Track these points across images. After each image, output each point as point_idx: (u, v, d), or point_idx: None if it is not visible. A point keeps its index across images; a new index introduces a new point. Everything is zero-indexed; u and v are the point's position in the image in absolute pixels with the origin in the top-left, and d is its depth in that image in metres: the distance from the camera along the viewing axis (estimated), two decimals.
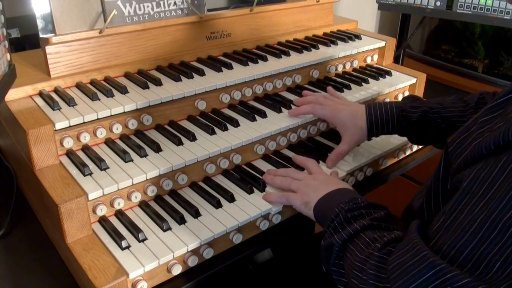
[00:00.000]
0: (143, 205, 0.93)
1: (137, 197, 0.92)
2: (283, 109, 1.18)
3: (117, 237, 0.84)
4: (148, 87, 1.07)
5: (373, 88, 1.35)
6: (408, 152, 1.29)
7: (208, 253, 0.87)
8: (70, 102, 0.97)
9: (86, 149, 0.96)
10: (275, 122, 1.11)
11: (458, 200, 0.62)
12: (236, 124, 1.09)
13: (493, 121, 0.65)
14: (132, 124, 1.02)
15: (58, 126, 0.91)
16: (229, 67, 1.20)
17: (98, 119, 0.97)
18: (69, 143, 0.95)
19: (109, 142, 0.99)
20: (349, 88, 1.33)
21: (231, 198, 0.95)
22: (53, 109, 0.95)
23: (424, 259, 0.61)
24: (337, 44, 1.45)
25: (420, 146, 1.32)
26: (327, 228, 0.81)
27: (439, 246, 0.62)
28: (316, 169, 1.00)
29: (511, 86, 0.67)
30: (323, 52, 1.38)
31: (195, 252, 0.86)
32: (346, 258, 0.75)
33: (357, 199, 0.83)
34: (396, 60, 1.70)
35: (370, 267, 0.68)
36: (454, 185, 0.66)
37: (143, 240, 0.85)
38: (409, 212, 0.91)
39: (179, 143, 1.00)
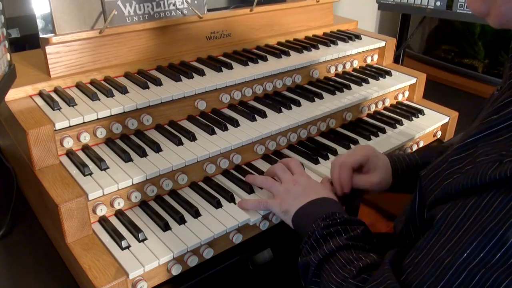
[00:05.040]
0: (143, 205, 0.93)
1: (137, 197, 0.92)
2: (283, 109, 1.17)
3: (117, 237, 0.84)
4: (148, 87, 1.07)
5: (373, 88, 1.36)
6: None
7: (208, 253, 0.87)
8: (70, 102, 0.98)
9: (86, 149, 0.96)
10: (275, 122, 1.11)
11: (428, 238, 0.64)
12: (236, 124, 1.09)
13: (462, 161, 0.66)
14: (132, 124, 1.02)
15: (58, 126, 0.91)
16: (229, 67, 1.20)
17: (98, 119, 0.97)
18: (69, 143, 0.95)
19: (109, 142, 0.99)
20: (349, 88, 1.33)
21: (231, 198, 0.95)
22: (53, 109, 0.95)
23: None
24: (337, 44, 1.45)
25: (421, 145, 1.32)
26: (304, 244, 0.81)
27: (408, 282, 0.64)
28: (298, 170, 0.98)
29: (480, 126, 0.66)
30: (323, 52, 1.38)
31: (195, 252, 0.86)
32: (322, 278, 0.76)
33: (334, 214, 0.82)
34: (396, 60, 1.70)
35: None
36: (428, 221, 0.68)
37: (143, 240, 0.85)
38: (395, 228, 0.91)
39: (179, 143, 1.00)
